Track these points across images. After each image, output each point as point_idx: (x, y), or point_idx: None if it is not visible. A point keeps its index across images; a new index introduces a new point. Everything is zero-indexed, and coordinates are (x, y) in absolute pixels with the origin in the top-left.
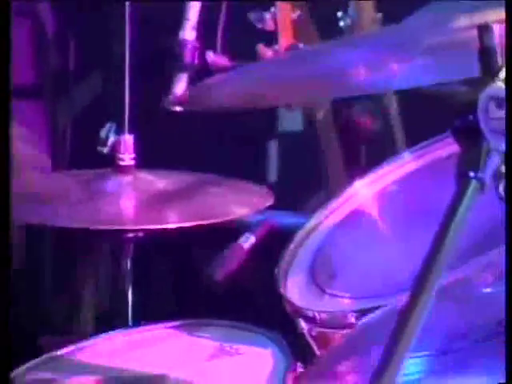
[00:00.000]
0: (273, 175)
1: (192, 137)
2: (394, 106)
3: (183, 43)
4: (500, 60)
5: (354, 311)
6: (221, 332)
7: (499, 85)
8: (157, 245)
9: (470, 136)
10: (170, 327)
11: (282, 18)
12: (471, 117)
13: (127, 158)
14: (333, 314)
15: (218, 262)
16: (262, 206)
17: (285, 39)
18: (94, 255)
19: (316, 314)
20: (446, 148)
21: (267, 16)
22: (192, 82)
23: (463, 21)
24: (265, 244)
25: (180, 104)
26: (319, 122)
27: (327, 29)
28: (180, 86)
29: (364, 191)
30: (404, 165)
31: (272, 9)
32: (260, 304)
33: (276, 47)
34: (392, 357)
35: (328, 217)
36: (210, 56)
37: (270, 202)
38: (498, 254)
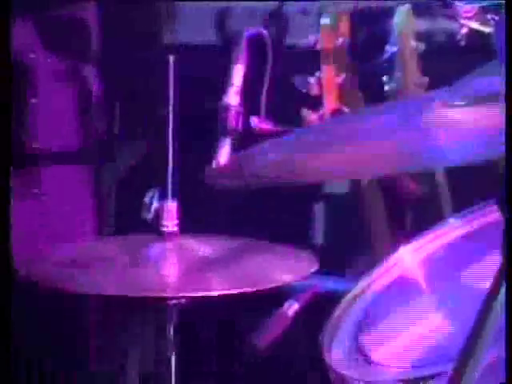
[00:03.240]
0: (319, 238)
1: (236, 201)
2: (440, 171)
3: (227, 108)
4: None
5: (400, 380)
6: None
7: None
8: (200, 311)
9: None
10: None
11: (327, 81)
12: None
13: (170, 224)
14: (378, 383)
15: (262, 330)
16: (307, 272)
17: (330, 103)
18: (137, 322)
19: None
20: (493, 214)
21: (312, 80)
22: (235, 147)
23: None
24: (309, 310)
25: (221, 175)
26: (364, 185)
27: (372, 93)
28: (223, 151)
29: (410, 257)
30: (450, 231)
31: (317, 73)
32: (304, 372)
33: (321, 111)
34: None
35: (373, 283)
36: (254, 121)
37: (314, 267)
38: None
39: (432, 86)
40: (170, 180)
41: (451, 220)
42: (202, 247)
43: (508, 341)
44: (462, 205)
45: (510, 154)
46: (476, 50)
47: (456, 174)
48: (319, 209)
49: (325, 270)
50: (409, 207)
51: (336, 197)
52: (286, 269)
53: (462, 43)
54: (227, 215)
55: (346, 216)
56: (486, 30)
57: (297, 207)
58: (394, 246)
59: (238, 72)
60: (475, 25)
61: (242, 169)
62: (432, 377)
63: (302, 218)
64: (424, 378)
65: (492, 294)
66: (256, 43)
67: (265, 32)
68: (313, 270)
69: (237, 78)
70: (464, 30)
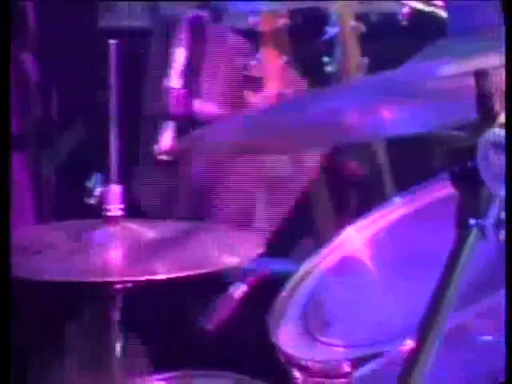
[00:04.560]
0: (262, 221)
1: (181, 185)
2: (382, 150)
3: (169, 91)
4: (498, 105)
5: (349, 360)
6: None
7: (498, 131)
8: (146, 295)
9: (470, 183)
10: (161, 379)
11: (268, 64)
12: (470, 163)
13: (114, 208)
14: (327, 362)
15: (209, 312)
16: (253, 255)
17: (271, 86)
18: (81, 307)
19: (310, 364)
20: (435, 193)
21: (253, 63)
22: (179, 130)
23: (455, 67)
24: (256, 292)
25: (169, 154)
26: (307, 167)
27: (314, 74)
28: (166, 134)
29: (355, 237)
30: (394, 210)
31: (258, 55)
32: (253, 354)
33: (263, 93)
34: None
35: (319, 264)
36: (197, 104)
37: (260, 249)
38: (498, 300)
39: (373, 66)
40: (113, 164)
41: (395, 199)
42: (147, 231)
43: (508, 340)
44: (405, 183)
45: (510, 153)
46: (418, 30)
47: (398, 151)
48: (262, 192)
49: (269, 252)
50: (351, 186)
51: (279, 179)
52: (231, 251)
53: (404, 23)
54: (172, 200)
55: (289, 198)
56: (427, 9)
57: (240, 190)
58: (338, 227)
59: (180, 55)
60: (416, 4)
61: (189, 150)
62: (380, 355)
63: (246, 202)
64: (372, 356)
65: (447, 273)
66: (196, 26)
67: (205, 15)
68: (258, 251)
69: (178, 61)
70: (405, 10)
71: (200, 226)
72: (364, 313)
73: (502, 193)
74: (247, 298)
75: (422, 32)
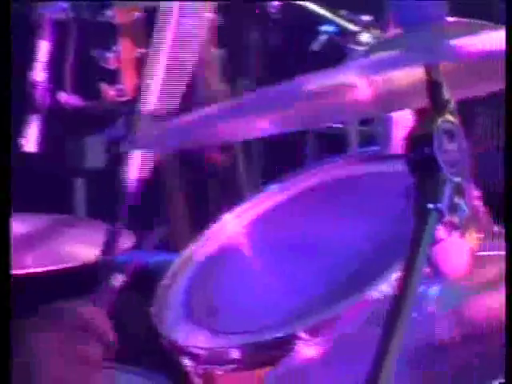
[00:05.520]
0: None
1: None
2: (238, 143)
3: (34, 84)
4: (447, 94)
5: (236, 346)
6: None
7: (449, 118)
8: (25, 288)
9: (426, 168)
10: None
11: (125, 56)
12: (426, 150)
13: None
14: (215, 350)
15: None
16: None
17: (128, 78)
18: None
19: (196, 351)
20: (308, 181)
21: (110, 55)
22: (45, 122)
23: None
24: (136, 283)
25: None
26: (163, 166)
27: None
28: (32, 127)
29: (232, 224)
30: (270, 197)
31: (114, 48)
32: (140, 344)
33: (120, 86)
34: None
35: (198, 251)
36: (63, 96)
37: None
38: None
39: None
40: None
41: (271, 186)
42: (17, 225)
43: (508, 340)
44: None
45: (510, 154)
46: (289, 22)
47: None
48: (80, 183)
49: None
50: (214, 177)
51: (95, 172)
52: (97, 244)
53: (278, 16)
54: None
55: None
56: (299, 1)
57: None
58: (197, 216)
59: (43, 48)
60: None
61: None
62: (273, 341)
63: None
64: (262, 342)
65: (411, 258)
66: (58, 18)
67: (67, 7)
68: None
69: (42, 54)
70: (276, 2)
71: (65, 218)
72: (248, 299)
73: (455, 177)
74: (128, 288)
75: (297, 23)
